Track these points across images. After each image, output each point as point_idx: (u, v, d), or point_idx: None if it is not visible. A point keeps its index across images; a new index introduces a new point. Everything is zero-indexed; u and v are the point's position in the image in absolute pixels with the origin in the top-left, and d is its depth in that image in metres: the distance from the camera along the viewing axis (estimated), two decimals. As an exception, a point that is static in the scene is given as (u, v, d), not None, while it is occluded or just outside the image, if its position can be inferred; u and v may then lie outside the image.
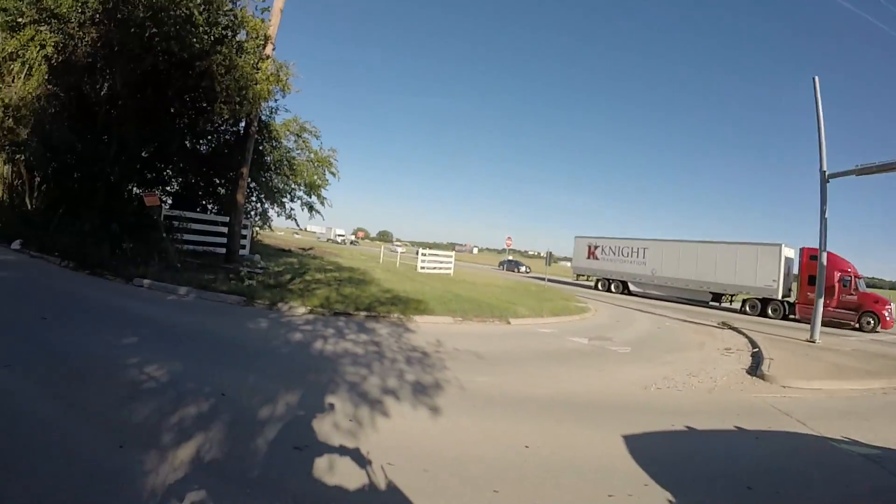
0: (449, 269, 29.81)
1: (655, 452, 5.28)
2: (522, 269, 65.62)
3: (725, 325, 20.27)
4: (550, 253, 33.29)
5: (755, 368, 11.01)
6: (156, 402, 4.67)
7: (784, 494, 4.68)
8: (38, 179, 17.30)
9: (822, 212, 17.16)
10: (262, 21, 15.66)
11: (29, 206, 17.20)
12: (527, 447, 4.96)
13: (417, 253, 31.88)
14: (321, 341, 8.40)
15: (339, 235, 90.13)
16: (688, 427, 6.29)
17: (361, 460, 4.05)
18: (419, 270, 27.36)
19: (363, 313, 11.24)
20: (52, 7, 14.12)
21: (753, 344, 14.74)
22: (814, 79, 17.88)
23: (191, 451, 3.78)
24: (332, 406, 5.26)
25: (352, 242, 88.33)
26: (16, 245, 14.31)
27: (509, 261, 70.03)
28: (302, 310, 10.77)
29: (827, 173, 17.17)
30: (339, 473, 3.80)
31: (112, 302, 9.63)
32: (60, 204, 15.94)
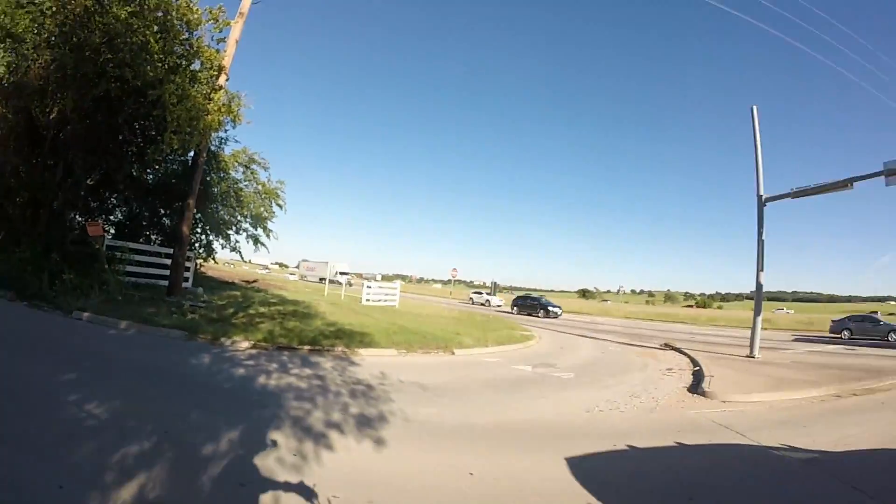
0: (394, 300, 29.68)
1: (598, 473, 5.38)
2: (496, 301, 57.83)
3: (668, 346, 20.82)
4: (495, 283, 33.89)
5: (696, 386, 11.34)
6: (97, 440, 4.50)
7: (725, 503, 4.86)
8: None
9: (759, 234, 18.12)
10: (217, 52, 15.48)
11: None
12: (471, 474, 5.00)
13: (363, 284, 31.75)
14: (265, 376, 8.25)
15: (343, 274, 60.56)
16: (630, 446, 6.42)
17: (307, 494, 4.01)
18: (364, 303, 27.11)
19: (307, 347, 11.08)
20: (8, 26, 13.62)
21: (695, 363, 15.19)
22: (752, 108, 19.03)
23: (133, 491, 3.67)
24: (276, 441, 5.18)
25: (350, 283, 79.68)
26: None
27: (477, 292, 61.67)
28: (245, 344, 10.55)
29: (764, 197, 18.17)
30: (285, 509, 3.73)
31: (51, 335, 9.25)
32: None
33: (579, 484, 4.98)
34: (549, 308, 42.08)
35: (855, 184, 16.41)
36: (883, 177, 15.44)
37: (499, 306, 52.20)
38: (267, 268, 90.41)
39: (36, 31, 13.63)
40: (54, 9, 12.75)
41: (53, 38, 13.62)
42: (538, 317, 40.09)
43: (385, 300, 29.30)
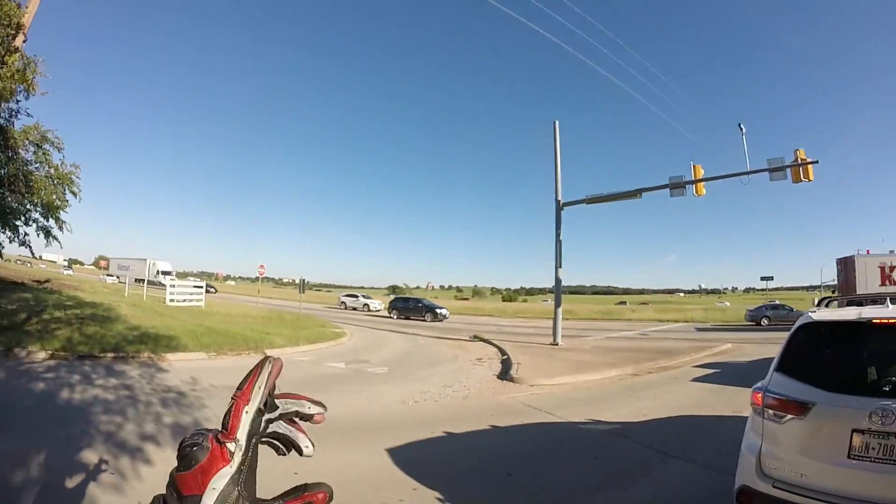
0: (200, 300, 28.46)
1: (419, 459, 5.89)
2: (375, 305, 48.26)
3: (477, 337, 22.32)
4: (304, 280, 33.56)
5: (505, 373, 12.49)
6: None
7: (541, 474, 5.56)
8: None
9: (557, 235, 20.55)
10: (18, 6, 13.73)
11: None
12: (296, 474, 5.27)
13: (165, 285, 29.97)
14: (68, 389, 7.92)
15: (166, 274, 56.38)
16: (447, 432, 7.05)
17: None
18: (168, 304, 25.76)
19: (110, 354, 10.65)
20: None
21: (503, 352, 16.55)
22: (554, 123, 21.28)
23: None
24: (90, 461, 5.10)
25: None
26: None
27: (351, 295, 54.31)
28: (42, 354, 9.91)
29: (562, 202, 20.46)
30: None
31: None
32: None
33: (402, 472, 5.47)
34: (437, 311, 36.26)
35: (643, 194, 19.25)
36: (668, 189, 18.37)
37: (378, 310, 44.75)
38: (70, 267, 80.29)
39: None
40: None
41: None
42: (424, 321, 34.51)
43: (190, 300, 28.09)
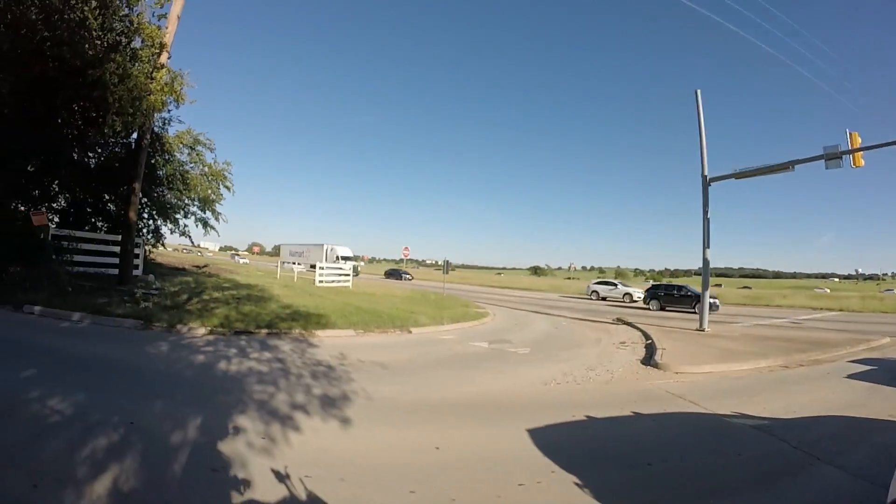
0: (348, 281, 29.63)
1: (559, 442, 5.59)
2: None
3: (620, 320, 21.48)
4: (447, 261, 33.86)
5: (649, 358, 11.81)
6: (64, 436, 4.50)
7: (682, 466, 5.14)
8: None
9: (705, 213, 18.94)
10: (159, 28, 14.93)
11: None
12: (437, 448, 5.19)
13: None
14: (225, 361, 8.27)
15: (346, 259, 54.76)
16: (588, 416, 6.69)
17: (279, 475, 4.11)
18: (318, 284, 27.10)
19: (264, 331, 11.12)
20: None
21: (647, 336, 15.79)
22: (696, 92, 19.59)
23: (107, 484, 3.71)
24: (243, 426, 5.25)
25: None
26: None
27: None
28: (202, 330, 10.53)
29: (709, 178, 18.90)
30: (260, 490, 3.85)
31: (2, 332, 9.05)
32: None
33: (541, 453, 5.20)
34: (712, 300, 27.03)
35: (796, 166, 17.24)
36: (823, 160, 16.34)
37: (638, 300, 37.18)
38: (238, 255, 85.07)
39: None
40: None
41: None
42: (692, 311, 27.91)
43: (338, 281, 29.25)
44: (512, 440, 5.65)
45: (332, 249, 59.18)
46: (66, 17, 12.13)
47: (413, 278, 65.24)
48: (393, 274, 67.49)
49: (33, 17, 12.20)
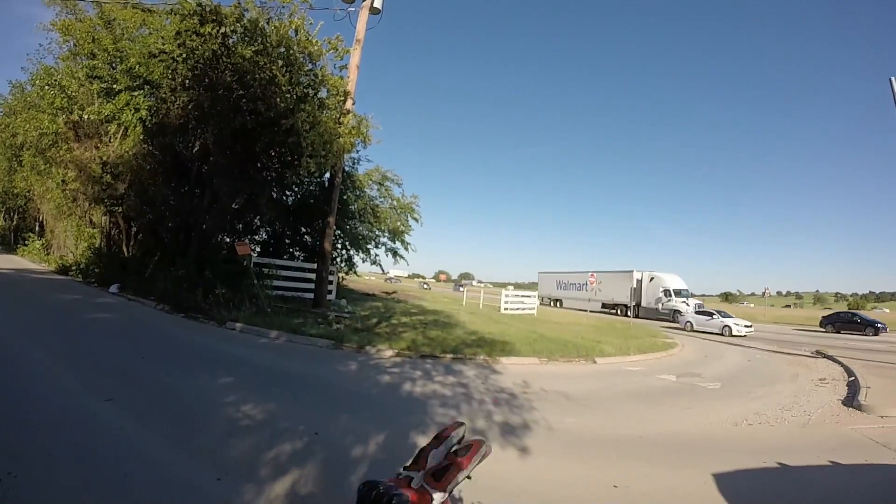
0: (532, 309, 29.60)
1: (747, 491, 5.13)
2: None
3: (820, 353, 19.04)
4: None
5: (852, 398, 10.38)
6: (252, 438, 4.82)
7: None
8: (134, 229, 19.21)
9: None
10: (341, 78, 16.38)
11: (126, 254, 19.09)
12: (615, 487, 4.85)
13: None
14: (409, 383, 8.41)
15: (677, 294, 39.89)
16: (780, 464, 6.00)
17: (452, 499, 3.91)
18: (503, 311, 27.39)
19: (449, 355, 11.20)
20: (145, 75, 15.64)
21: (849, 372, 13.97)
22: (890, 80, 16.95)
23: (286, 486, 3.86)
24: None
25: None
26: (114, 289, 15.88)
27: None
28: (389, 352, 10.87)
29: None
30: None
31: (207, 343, 10.17)
32: (155, 252, 17.47)
33: (727, 502, 4.72)
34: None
35: None
36: None
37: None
38: (426, 282, 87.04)
39: (171, 77, 15.18)
40: (184, 55, 14.07)
41: (188, 81, 15.08)
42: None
43: (523, 308, 29.39)
44: (696, 485, 5.15)
45: (652, 279, 42.59)
46: (256, 76, 13.80)
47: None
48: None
49: (228, 78, 14.11)
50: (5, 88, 22.34)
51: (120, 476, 3.76)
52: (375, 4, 16.88)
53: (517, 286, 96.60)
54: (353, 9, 17.11)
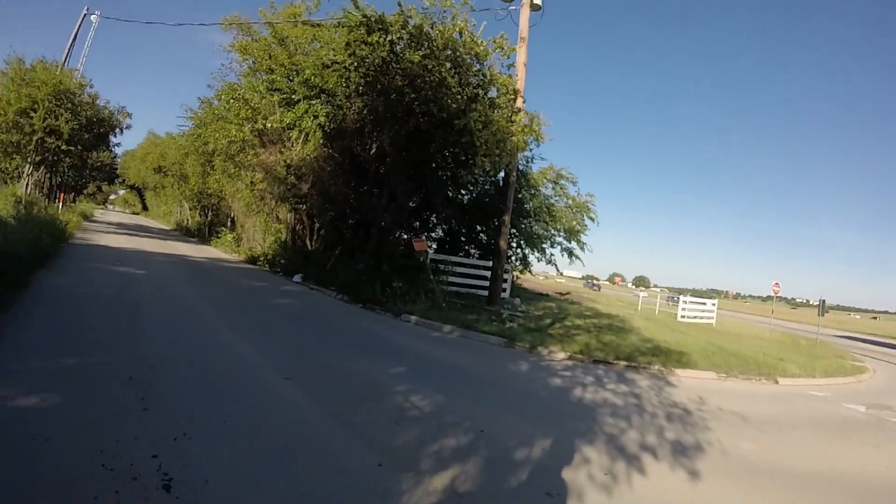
0: (711, 318, 27.99)
1: None
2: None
3: None
4: (823, 301, 28.75)
5: None
6: (417, 429, 4.99)
7: None
8: (317, 225, 21.16)
9: None
10: (509, 77, 16.63)
11: (309, 247, 21.03)
12: None
13: (677, 300, 30.33)
14: (580, 388, 8.22)
15: None
16: None
17: None
18: (679, 319, 26.23)
19: (623, 363, 10.82)
20: (320, 84, 16.89)
21: None
22: None
23: (445, 481, 3.93)
24: (588, 456, 5.09)
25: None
26: (297, 278, 17.65)
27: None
28: (561, 355, 10.74)
29: None
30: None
31: (382, 333, 10.78)
32: (336, 246, 19.09)
33: None
34: None
35: None
36: None
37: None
38: (595, 283, 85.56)
39: (345, 84, 16.35)
40: (355, 64, 15.03)
41: (361, 88, 16.19)
42: None
43: (701, 317, 28.11)
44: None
45: None
46: (426, 79, 14.49)
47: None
48: None
49: (399, 83, 14.97)
50: (195, 104, 25.42)
51: (288, 449, 4.08)
52: (535, 1, 16.88)
53: (694, 293, 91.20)
54: (514, 7, 17.33)
